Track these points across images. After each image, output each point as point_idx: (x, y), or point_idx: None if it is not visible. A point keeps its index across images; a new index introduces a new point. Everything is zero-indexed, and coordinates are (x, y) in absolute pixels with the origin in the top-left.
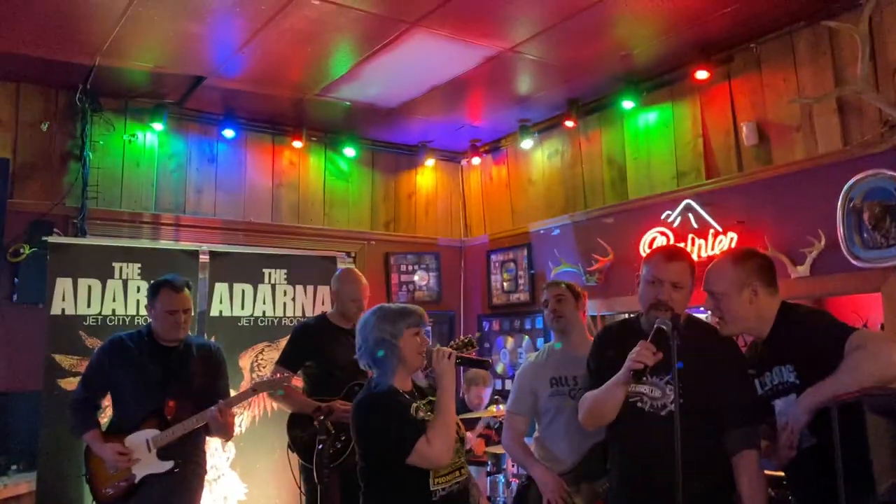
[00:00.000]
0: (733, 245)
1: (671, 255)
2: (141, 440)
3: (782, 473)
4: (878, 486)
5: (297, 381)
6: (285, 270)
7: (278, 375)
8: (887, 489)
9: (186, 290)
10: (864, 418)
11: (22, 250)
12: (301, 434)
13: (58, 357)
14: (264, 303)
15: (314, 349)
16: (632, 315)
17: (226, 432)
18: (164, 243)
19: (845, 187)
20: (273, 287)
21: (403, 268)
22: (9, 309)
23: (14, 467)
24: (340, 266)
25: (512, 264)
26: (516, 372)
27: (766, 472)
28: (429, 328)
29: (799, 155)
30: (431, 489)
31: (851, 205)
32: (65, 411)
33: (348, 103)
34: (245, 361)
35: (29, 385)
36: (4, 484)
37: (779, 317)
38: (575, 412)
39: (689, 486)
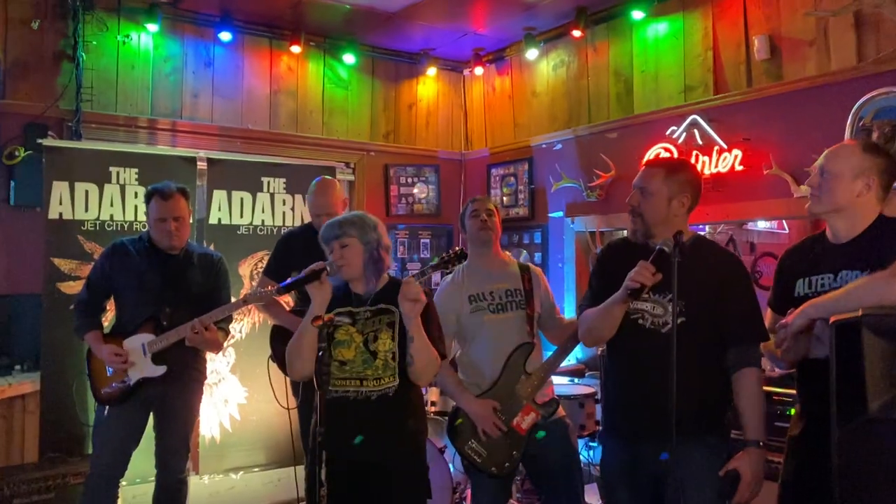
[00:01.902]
0: (738, 163)
1: (647, 160)
2: (137, 344)
3: (775, 388)
4: (870, 404)
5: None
6: (284, 179)
7: (269, 288)
8: (879, 407)
9: (180, 196)
10: (861, 337)
11: (17, 153)
12: (283, 347)
13: (57, 261)
14: (263, 211)
15: (298, 259)
16: None
17: (209, 347)
18: (162, 149)
19: (856, 105)
20: (272, 196)
21: (403, 180)
22: (6, 212)
23: (18, 367)
24: (341, 177)
25: (512, 178)
26: (436, 294)
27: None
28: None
29: (811, 71)
30: (328, 388)
31: (861, 123)
32: (65, 313)
33: (348, 6)
34: (245, 269)
35: (29, 288)
36: (9, 383)
37: (875, 224)
38: (495, 325)
39: (685, 402)
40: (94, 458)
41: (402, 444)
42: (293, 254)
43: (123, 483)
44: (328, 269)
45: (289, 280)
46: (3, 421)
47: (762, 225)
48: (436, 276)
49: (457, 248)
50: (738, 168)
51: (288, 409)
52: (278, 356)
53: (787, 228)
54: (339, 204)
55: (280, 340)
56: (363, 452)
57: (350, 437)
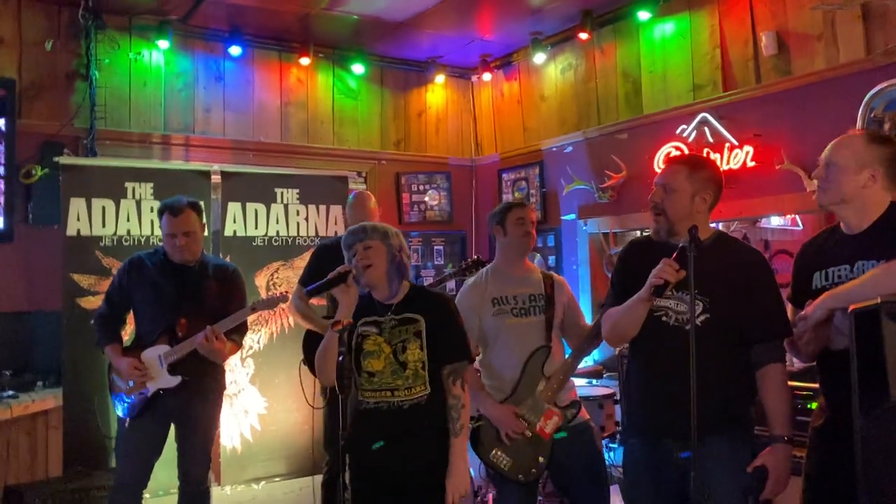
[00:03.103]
0: (749, 159)
1: (668, 159)
2: (154, 356)
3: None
4: (892, 390)
5: (321, 301)
6: (297, 190)
7: (277, 293)
8: None
9: (190, 210)
10: (881, 325)
11: (34, 171)
12: (314, 351)
13: (76, 277)
14: (277, 222)
15: (332, 269)
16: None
17: (215, 357)
18: (175, 163)
19: (866, 97)
20: (286, 207)
21: (414, 187)
22: (25, 230)
23: (40, 383)
24: (353, 186)
25: (524, 182)
26: (458, 295)
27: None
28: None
29: (819, 65)
30: (359, 398)
31: (872, 115)
32: (85, 329)
33: (355, 17)
34: (261, 280)
35: (49, 305)
36: (32, 399)
37: (887, 213)
38: (516, 329)
39: (708, 398)
40: (117, 470)
41: (437, 450)
42: (326, 264)
43: (147, 495)
44: (353, 272)
45: (315, 284)
46: (27, 437)
47: (776, 222)
48: (450, 283)
49: (475, 257)
50: (750, 164)
51: (314, 407)
52: (309, 360)
53: (801, 225)
54: (375, 215)
55: (312, 344)
56: (391, 459)
57: (378, 447)
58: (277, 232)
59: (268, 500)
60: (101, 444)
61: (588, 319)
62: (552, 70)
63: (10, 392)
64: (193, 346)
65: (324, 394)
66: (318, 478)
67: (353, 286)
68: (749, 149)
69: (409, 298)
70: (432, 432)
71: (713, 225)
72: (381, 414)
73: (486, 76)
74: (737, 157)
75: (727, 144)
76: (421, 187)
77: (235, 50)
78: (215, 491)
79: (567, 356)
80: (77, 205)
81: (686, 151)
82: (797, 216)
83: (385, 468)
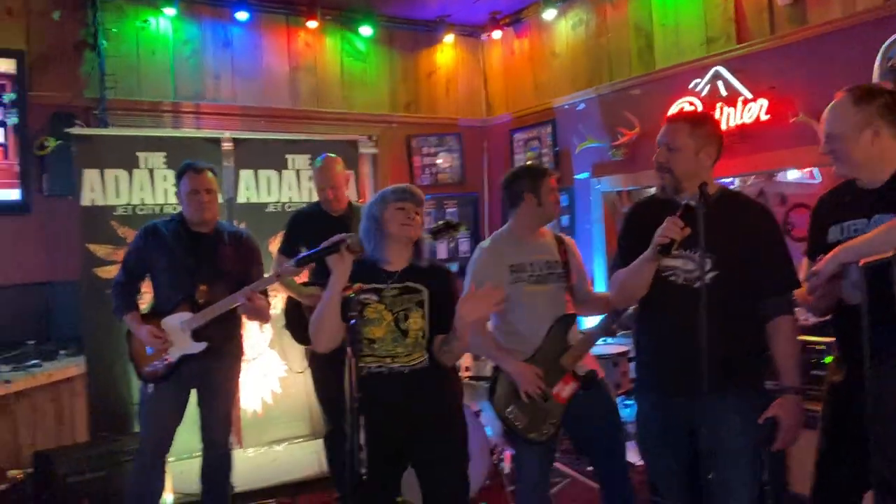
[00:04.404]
0: (763, 112)
1: (669, 116)
2: (175, 323)
3: (812, 337)
4: None
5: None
6: (308, 156)
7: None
8: None
9: (209, 173)
10: (893, 278)
11: (47, 143)
12: (295, 319)
13: (92, 247)
14: (290, 189)
15: (308, 236)
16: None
17: (260, 315)
18: (187, 131)
19: (883, 46)
20: (297, 172)
21: (425, 150)
22: (41, 201)
23: (62, 352)
24: (363, 151)
25: (536, 142)
26: (471, 261)
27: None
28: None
29: (836, 13)
30: (359, 365)
31: (889, 64)
32: (103, 298)
33: None
34: (275, 246)
35: (68, 275)
36: (56, 367)
37: None
38: (535, 296)
39: (719, 354)
40: (140, 435)
41: (439, 412)
42: (303, 231)
43: (171, 458)
44: (349, 241)
45: (307, 252)
46: (53, 404)
47: (793, 176)
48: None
49: (446, 220)
50: (765, 118)
51: (297, 372)
52: (291, 326)
53: (818, 177)
54: (342, 180)
55: (292, 311)
56: (398, 421)
57: (383, 410)
58: (290, 198)
59: (290, 461)
60: (125, 409)
61: (602, 279)
62: (563, 26)
63: (34, 361)
64: (224, 308)
65: (305, 356)
66: None
67: (346, 255)
68: (763, 102)
69: (411, 268)
70: (431, 392)
71: (728, 181)
72: (383, 378)
73: (496, 34)
74: (751, 111)
75: (741, 98)
76: (432, 150)
77: (242, 15)
78: (237, 453)
79: (592, 327)
80: (90, 175)
81: (699, 106)
82: (814, 169)
83: (390, 430)
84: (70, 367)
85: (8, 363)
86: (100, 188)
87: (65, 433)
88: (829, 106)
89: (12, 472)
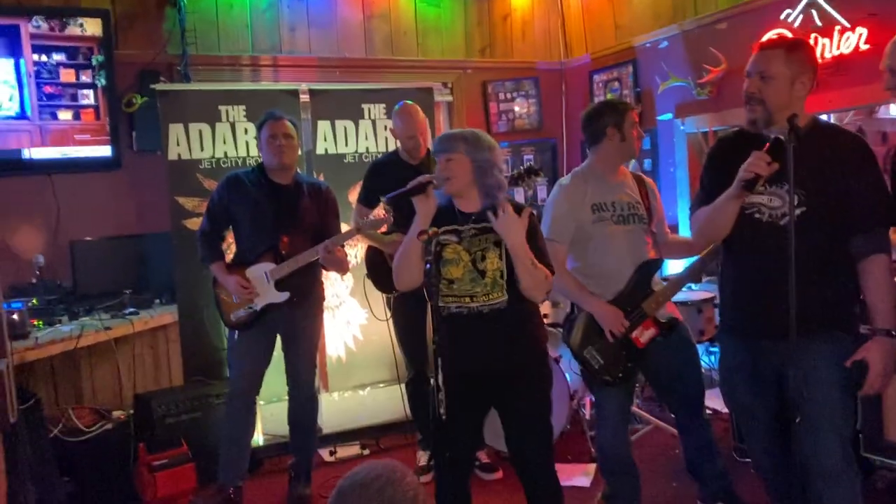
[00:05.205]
0: (863, 42)
1: (761, 43)
2: (260, 273)
3: None
4: None
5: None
6: (384, 105)
7: (373, 216)
8: None
9: (288, 121)
10: None
11: (134, 100)
12: (377, 267)
13: (180, 200)
14: (366, 138)
15: (387, 185)
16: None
17: (339, 267)
18: (265, 84)
19: None
20: (374, 122)
21: (502, 96)
22: (131, 157)
23: (157, 301)
24: (438, 98)
25: (616, 83)
26: (550, 198)
27: None
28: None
29: None
30: (439, 305)
31: None
32: (193, 248)
33: None
34: (353, 196)
35: (159, 227)
36: (151, 315)
37: None
38: (618, 236)
39: (807, 295)
40: (230, 380)
41: (519, 352)
42: (382, 180)
43: (261, 402)
44: (434, 182)
45: (394, 192)
46: (151, 350)
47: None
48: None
49: (528, 165)
50: (864, 48)
51: (379, 319)
52: (373, 275)
53: None
54: (423, 124)
55: (373, 259)
56: (480, 362)
57: (462, 350)
58: (367, 148)
59: (373, 405)
60: (216, 355)
61: (686, 224)
62: None
63: (132, 309)
64: (307, 260)
65: (388, 305)
66: None
67: (432, 197)
68: (862, 31)
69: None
70: (513, 333)
71: (825, 116)
72: (462, 318)
73: None
74: (848, 41)
75: (837, 27)
76: (508, 95)
77: None
78: (325, 397)
79: (677, 274)
80: (176, 130)
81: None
82: None
83: (472, 369)
84: (164, 315)
85: (108, 311)
86: (185, 142)
87: (162, 377)
88: (893, 39)
89: (116, 413)
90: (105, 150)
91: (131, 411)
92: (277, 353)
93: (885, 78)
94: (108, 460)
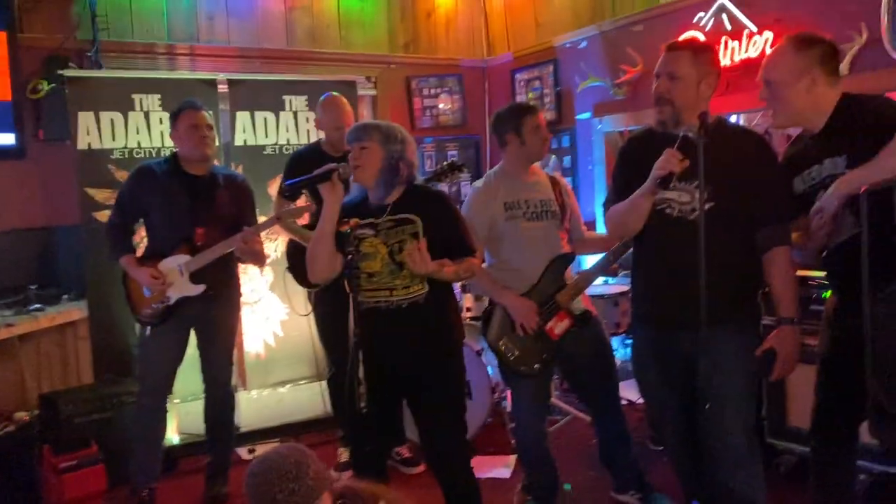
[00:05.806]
0: (769, 46)
1: (668, 45)
2: (174, 265)
3: (811, 272)
4: None
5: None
6: (305, 97)
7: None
8: None
9: (206, 112)
10: (894, 205)
11: (40, 87)
12: (298, 260)
13: (91, 191)
14: (287, 130)
15: None
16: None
17: (257, 259)
18: (182, 73)
19: None
20: (295, 114)
21: (426, 91)
22: (38, 147)
23: (65, 296)
24: (362, 92)
25: (537, 82)
26: (466, 200)
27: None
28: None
29: None
30: (359, 299)
31: None
32: (104, 242)
33: None
34: (274, 189)
35: (68, 219)
36: (59, 311)
37: (839, 107)
38: (530, 232)
39: (715, 286)
40: (140, 377)
41: (437, 347)
42: (303, 172)
43: (176, 401)
44: (340, 170)
45: (297, 179)
46: (58, 348)
47: None
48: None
49: (450, 161)
50: (770, 51)
51: (301, 315)
52: (294, 269)
53: None
54: (350, 116)
55: (295, 253)
56: (395, 357)
57: (384, 344)
58: (288, 140)
59: (294, 402)
60: (127, 352)
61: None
62: None
63: (37, 305)
64: (223, 251)
65: (309, 299)
66: None
67: (338, 185)
68: (769, 35)
69: (403, 198)
70: (430, 327)
71: (734, 117)
72: (381, 312)
73: None
74: (756, 45)
75: (746, 31)
76: (432, 91)
77: None
78: (243, 395)
79: (590, 267)
80: (86, 119)
81: (703, 40)
82: None
83: (389, 363)
84: (73, 310)
85: (11, 307)
86: (95, 131)
87: (70, 376)
88: (770, 53)
89: (19, 414)
90: (9, 139)
91: (36, 412)
92: (193, 349)
93: (761, 88)
94: (9, 464)
